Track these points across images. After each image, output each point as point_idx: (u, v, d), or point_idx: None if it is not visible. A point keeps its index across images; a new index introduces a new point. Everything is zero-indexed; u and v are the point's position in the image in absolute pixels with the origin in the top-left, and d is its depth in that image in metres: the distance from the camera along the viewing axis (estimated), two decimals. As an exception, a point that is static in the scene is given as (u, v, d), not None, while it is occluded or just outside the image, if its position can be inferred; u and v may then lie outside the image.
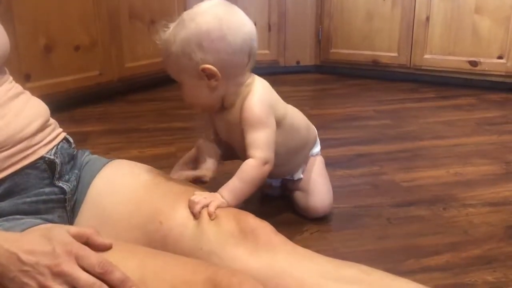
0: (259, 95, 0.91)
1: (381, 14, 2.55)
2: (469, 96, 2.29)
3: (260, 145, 0.89)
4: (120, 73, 2.26)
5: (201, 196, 0.79)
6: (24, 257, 0.55)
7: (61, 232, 0.60)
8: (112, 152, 1.57)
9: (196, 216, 0.78)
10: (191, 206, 0.78)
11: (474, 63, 2.35)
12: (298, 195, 1.13)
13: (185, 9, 2.59)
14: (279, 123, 0.95)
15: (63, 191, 0.79)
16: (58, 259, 0.56)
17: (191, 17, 0.87)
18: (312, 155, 1.15)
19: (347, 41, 2.69)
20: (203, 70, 0.87)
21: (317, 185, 1.11)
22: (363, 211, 1.18)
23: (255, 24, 2.99)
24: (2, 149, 0.70)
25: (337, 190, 1.28)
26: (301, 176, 1.12)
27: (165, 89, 2.43)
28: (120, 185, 0.84)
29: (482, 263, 0.95)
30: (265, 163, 0.88)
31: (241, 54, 0.89)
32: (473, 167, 1.43)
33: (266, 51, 2.80)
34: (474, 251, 0.99)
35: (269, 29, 2.76)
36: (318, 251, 0.78)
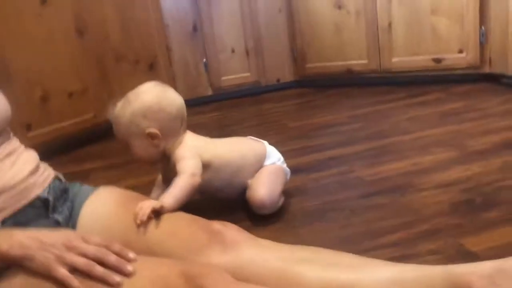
0: (183, 146, 1.22)
1: (347, 26, 2.74)
2: (437, 92, 2.45)
3: (186, 167, 1.16)
4: (113, 112, 2.45)
5: (143, 204, 0.96)
6: (44, 237, 0.75)
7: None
8: (112, 184, 1.74)
9: (140, 222, 0.93)
10: (136, 213, 0.94)
11: (438, 60, 2.53)
12: (246, 191, 1.32)
13: (167, 47, 2.80)
14: (208, 164, 1.23)
15: (57, 222, 0.95)
16: (70, 239, 0.75)
17: (135, 96, 1.18)
18: (264, 166, 1.35)
19: (320, 55, 2.88)
20: (149, 133, 1.18)
21: (257, 182, 1.30)
22: (330, 206, 1.34)
23: (234, 51, 3.20)
24: (2, 193, 0.87)
25: (309, 191, 1.46)
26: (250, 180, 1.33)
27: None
28: (99, 213, 0.99)
29: (428, 235, 1.11)
30: (193, 175, 1.14)
31: (176, 120, 1.21)
32: (431, 156, 1.59)
33: (247, 74, 2.99)
34: (422, 227, 1.15)
35: (247, 54, 2.96)
36: (288, 243, 0.94)
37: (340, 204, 1.34)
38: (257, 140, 1.41)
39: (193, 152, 1.20)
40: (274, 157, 1.37)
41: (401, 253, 1.05)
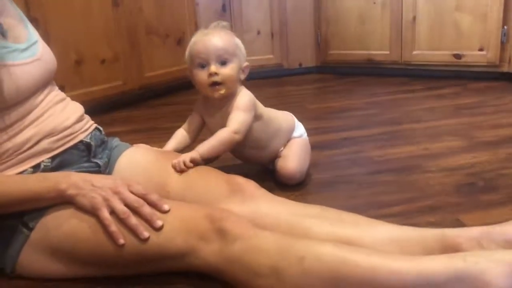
0: (246, 93, 1.29)
1: (372, 17, 2.81)
2: (454, 86, 2.52)
3: (236, 120, 1.23)
4: (141, 82, 2.57)
5: (181, 157, 1.10)
6: (95, 181, 0.87)
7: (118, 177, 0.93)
8: (136, 146, 1.86)
9: (176, 169, 1.08)
10: (173, 165, 1.09)
11: (458, 56, 2.59)
12: (276, 161, 1.41)
13: (195, 25, 2.90)
14: (259, 117, 1.31)
15: (98, 165, 1.07)
16: (117, 184, 0.87)
17: (230, 32, 1.25)
18: (293, 138, 1.44)
19: (343, 43, 2.96)
20: (246, 66, 1.28)
21: (289, 153, 1.39)
22: (340, 179, 1.44)
23: (259, 33, 3.28)
24: (53, 135, 0.99)
25: (322, 166, 1.56)
26: (282, 148, 1.42)
27: (179, 95, 2.77)
28: (137, 161, 1.13)
29: (428, 210, 1.20)
30: (235, 132, 1.22)
31: None
32: (440, 143, 1.68)
33: (271, 56, 3.08)
34: (424, 202, 1.24)
35: (272, 37, 3.05)
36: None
37: (349, 178, 1.44)
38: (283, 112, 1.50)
39: (252, 103, 1.27)
40: (301, 130, 1.47)
41: (402, 223, 1.12)
